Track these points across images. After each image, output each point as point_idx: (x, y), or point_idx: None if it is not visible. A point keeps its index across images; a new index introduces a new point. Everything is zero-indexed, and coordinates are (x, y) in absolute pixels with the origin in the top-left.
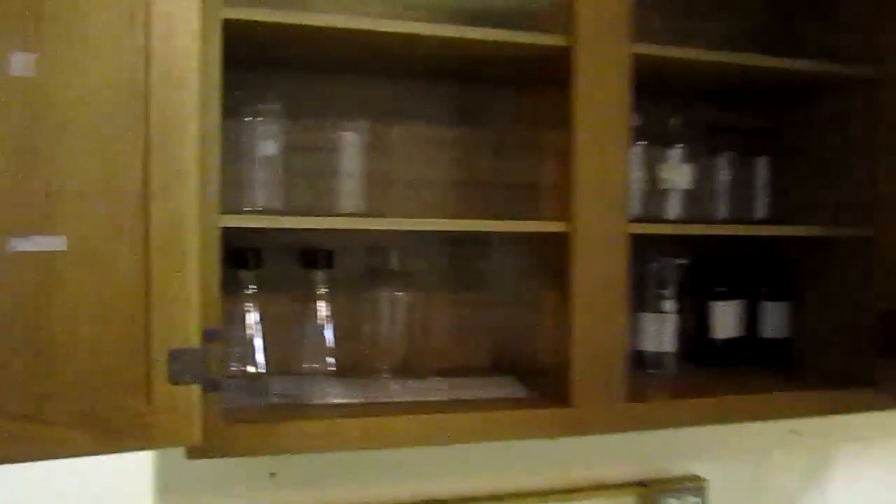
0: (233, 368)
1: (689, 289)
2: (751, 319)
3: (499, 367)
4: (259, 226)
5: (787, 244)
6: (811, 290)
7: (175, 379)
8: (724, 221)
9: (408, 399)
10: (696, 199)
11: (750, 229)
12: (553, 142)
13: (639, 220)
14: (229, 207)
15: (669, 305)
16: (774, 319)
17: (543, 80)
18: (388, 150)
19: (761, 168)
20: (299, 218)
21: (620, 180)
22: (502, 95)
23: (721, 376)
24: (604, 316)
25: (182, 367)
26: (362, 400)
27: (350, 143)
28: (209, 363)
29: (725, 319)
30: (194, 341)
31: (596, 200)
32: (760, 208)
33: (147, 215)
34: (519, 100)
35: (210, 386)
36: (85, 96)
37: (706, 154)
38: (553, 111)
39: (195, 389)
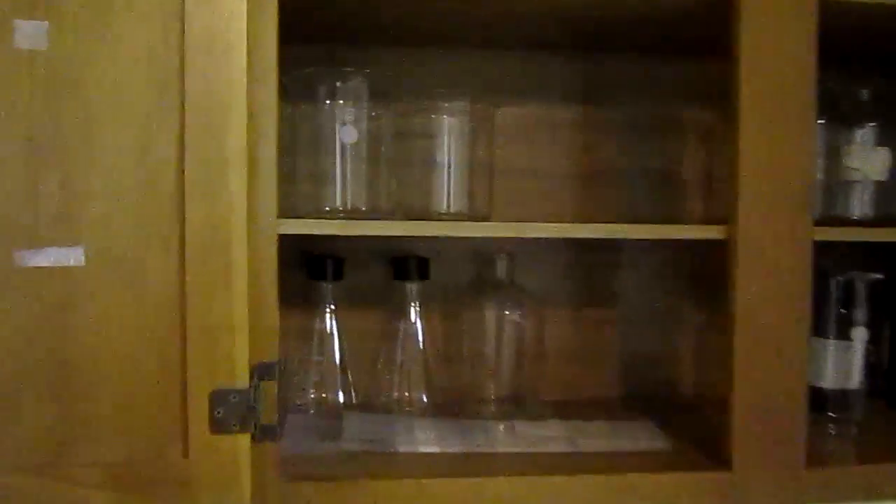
0: (311, 396)
1: (880, 310)
2: None
3: (630, 401)
4: (328, 232)
5: None
6: None
7: (218, 426)
8: None
9: (517, 450)
10: (885, 194)
11: None
12: (703, 122)
13: (820, 222)
14: (303, 208)
15: (858, 331)
16: None
17: (693, 43)
18: (494, 137)
19: None
20: (381, 223)
21: (802, 170)
22: (634, 66)
23: None
24: (777, 347)
25: (227, 411)
26: (461, 449)
27: (449, 128)
28: (264, 405)
29: None
30: (242, 379)
31: (768, 197)
32: None
33: (183, 221)
34: (658, 71)
35: (264, 434)
36: (106, 73)
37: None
38: (705, 83)
39: (243, 439)
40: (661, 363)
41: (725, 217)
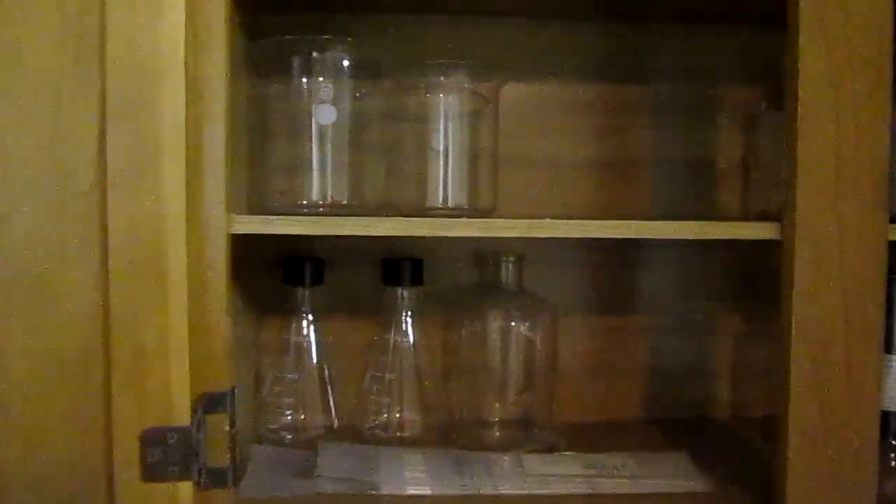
0: (286, 419)
1: None
2: None
3: (659, 425)
4: (291, 231)
5: None
6: None
7: (152, 473)
8: None
9: (524, 491)
10: None
11: None
12: (748, 101)
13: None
14: (275, 203)
15: None
16: None
17: (742, 7)
18: (500, 119)
19: None
20: (359, 220)
21: (874, 159)
22: (668, 37)
23: None
24: (843, 365)
25: (163, 453)
26: (456, 492)
27: (446, 109)
28: (212, 444)
29: None
30: (182, 414)
31: (832, 190)
32: None
33: (104, 217)
34: (697, 42)
35: (212, 480)
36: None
37: None
38: (751, 55)
39: (184, 487)
40: (697, 381)
41: (779, 213)
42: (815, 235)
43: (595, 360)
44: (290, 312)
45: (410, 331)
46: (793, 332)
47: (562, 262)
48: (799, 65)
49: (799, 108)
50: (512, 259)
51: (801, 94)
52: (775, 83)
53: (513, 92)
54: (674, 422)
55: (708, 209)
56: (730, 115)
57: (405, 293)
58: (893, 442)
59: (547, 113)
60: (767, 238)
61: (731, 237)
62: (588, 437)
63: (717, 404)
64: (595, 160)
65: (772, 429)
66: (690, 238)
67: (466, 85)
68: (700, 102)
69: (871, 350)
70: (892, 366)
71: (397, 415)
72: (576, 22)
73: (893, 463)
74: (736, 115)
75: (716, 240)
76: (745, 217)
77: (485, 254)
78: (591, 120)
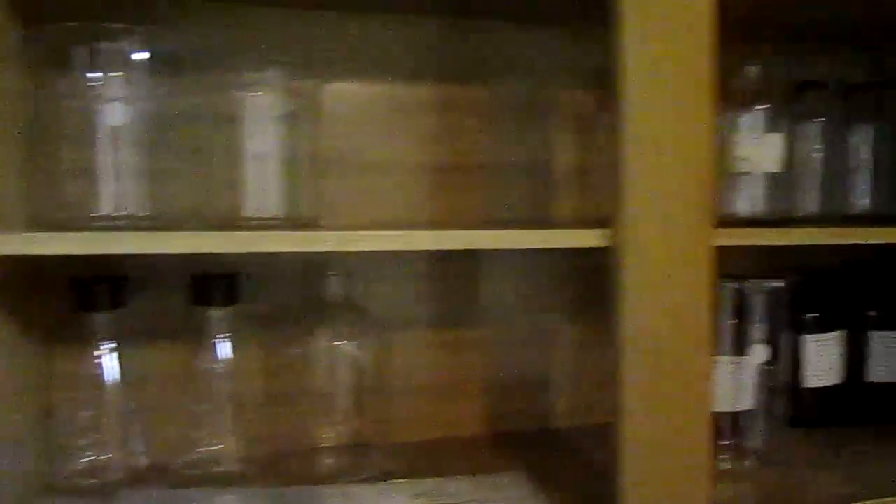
0: (83, 461)
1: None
2: (856, 358)
3: (500, 440)
4: (52, 252)
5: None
6: None
7: None
8: (814, 219)
9: None
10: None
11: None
12: (583, 103)
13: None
14: (67, 215)
15: (756, 347)
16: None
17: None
18: (323, 119)
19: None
20: (142, 235)
21: (698, 162)
22: (506, 36)
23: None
24: (675, 371)
25: None
26: None
27: (260, 108)
28: None
29: (822, 359)
30: None
31: (659, 195)
32: (860, 197)
33: None
34: (534, 42)
35: None
36: None
37: (789, 121)
38: (583, 55)
39: None
40: (537, 393)
41: (608, 219)
42: (641, 242)
43: (435, 376)
44: (86, 340)
45: (225, 355)
46: (624, 340)
47: (396, 273)
48: (620, 65)
49: (621, 111)
50: (339, 272)
51: (622, 96)
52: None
53: (339, 92)
54: (516, 435)
55: (552, 215)
56: (568, 118)
57: (218, 313)
58: (722, 443)
59: (378, 115)
60: (596, 245)
61: (554, 245)
62: (428, 458)
63: (558, 416)
64: (431, 165)
65: (609, 438)
66: (515, 247)
67: (283, 83)
68: (537, 104)
69: (702, 356)
70: (720, 367)
71: (214, 449)
72: (408, 17)
73: (726, 464)
74: (574, 118)
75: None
76: (582, 222)
77: (312, 267)
78: (425, 122)
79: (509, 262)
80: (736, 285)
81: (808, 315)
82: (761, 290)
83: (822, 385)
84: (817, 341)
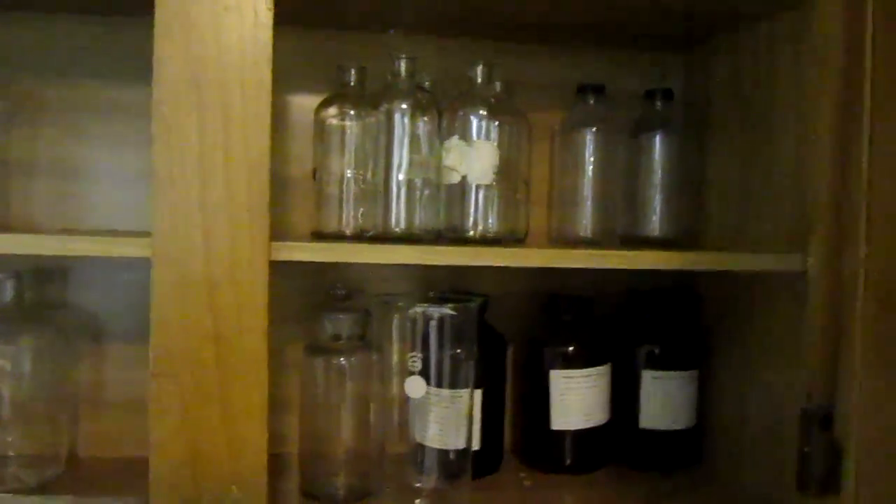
0: None
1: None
2: (626, 395)
3: None
4: None
5: (689, 277)
6: (726, 354)
7: None
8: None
9: None
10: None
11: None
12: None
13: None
14: None
15: (415, 379)
16: (663, 398)
17: None
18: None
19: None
20: None
21: (252, 169)
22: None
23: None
24: (218, 402)
25: None
26: None
27: None
28: None
29: (573, 398)
30: None
31: (199, 202)
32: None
33: None
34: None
35: None
36: None
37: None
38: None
39: None
40: None
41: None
42: (177, 252)
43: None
44: None
45: None
46: (154, 362)
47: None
48: (155, 63)
49: (155, 112)
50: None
51: (157, 95)
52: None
53: None
54: None
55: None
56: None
57: None
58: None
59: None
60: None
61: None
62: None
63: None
64: None
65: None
66: None
67: None
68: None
69: (255, 389)
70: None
71: None
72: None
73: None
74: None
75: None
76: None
77: None
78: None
79: None
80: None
81: (565, 348)
82: (437, 315)
83: (573, 428)
84: (566, 377)
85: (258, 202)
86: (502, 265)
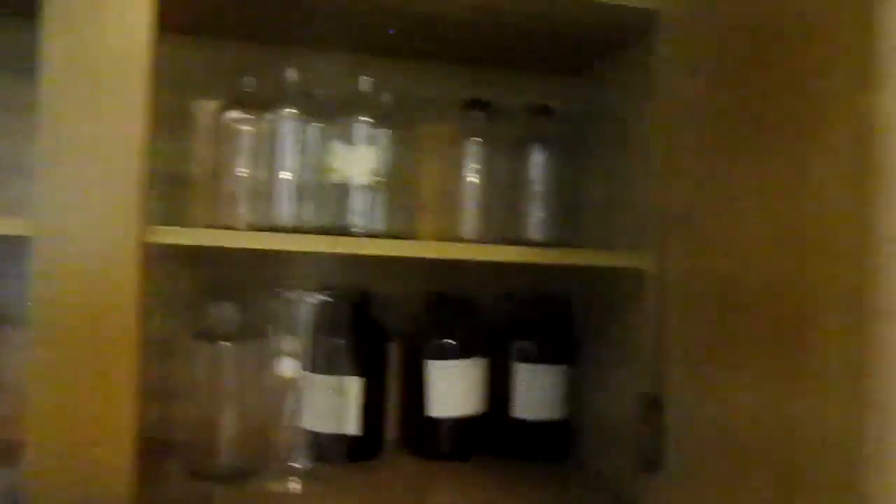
0: None
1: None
2: (501, 388)
3: None
4: None
5: (560, 276)
6: (592, 352)
7: None
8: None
9: None
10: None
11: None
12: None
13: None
14: None
15: (284, 360)
16: (534, 391)
17: None
18: None
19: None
20: None
21: (127, 158)
22: None
23: (436, 477)
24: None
25: None
26: None
27: None
28: None
29: (448, 386)
30: None
31: (81, 189)
32: (534, 222)
33: None
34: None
35: None
36: None
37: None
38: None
39: None
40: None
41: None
42: (55, 232)
43: None
44: None
45: None
46: (33, 341)
47: None
48: (43, 53)
49: (41, 99)
50: None
51: (44, 83)
52: None
53: None
54: None
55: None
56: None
57: None
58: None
59: None
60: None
61: None
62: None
63: None
64: None
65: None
66: None
67: None
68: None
69: (126, 364)
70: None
71: None
72: None
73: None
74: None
75: None
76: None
77: None
78: None
79: None
80: (308, 297)
81: (442, 341)
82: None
83: (448, 415)
84: (441, 368)
85: (132, 188)
86: (383, 254)
